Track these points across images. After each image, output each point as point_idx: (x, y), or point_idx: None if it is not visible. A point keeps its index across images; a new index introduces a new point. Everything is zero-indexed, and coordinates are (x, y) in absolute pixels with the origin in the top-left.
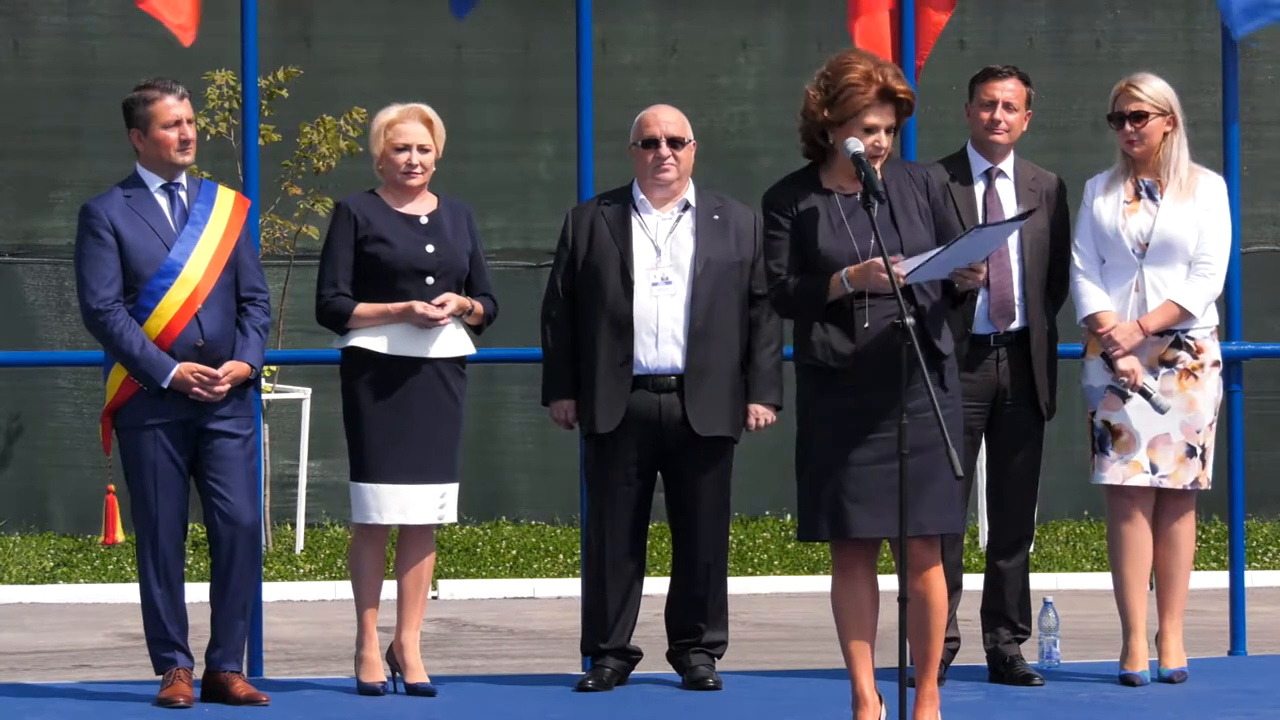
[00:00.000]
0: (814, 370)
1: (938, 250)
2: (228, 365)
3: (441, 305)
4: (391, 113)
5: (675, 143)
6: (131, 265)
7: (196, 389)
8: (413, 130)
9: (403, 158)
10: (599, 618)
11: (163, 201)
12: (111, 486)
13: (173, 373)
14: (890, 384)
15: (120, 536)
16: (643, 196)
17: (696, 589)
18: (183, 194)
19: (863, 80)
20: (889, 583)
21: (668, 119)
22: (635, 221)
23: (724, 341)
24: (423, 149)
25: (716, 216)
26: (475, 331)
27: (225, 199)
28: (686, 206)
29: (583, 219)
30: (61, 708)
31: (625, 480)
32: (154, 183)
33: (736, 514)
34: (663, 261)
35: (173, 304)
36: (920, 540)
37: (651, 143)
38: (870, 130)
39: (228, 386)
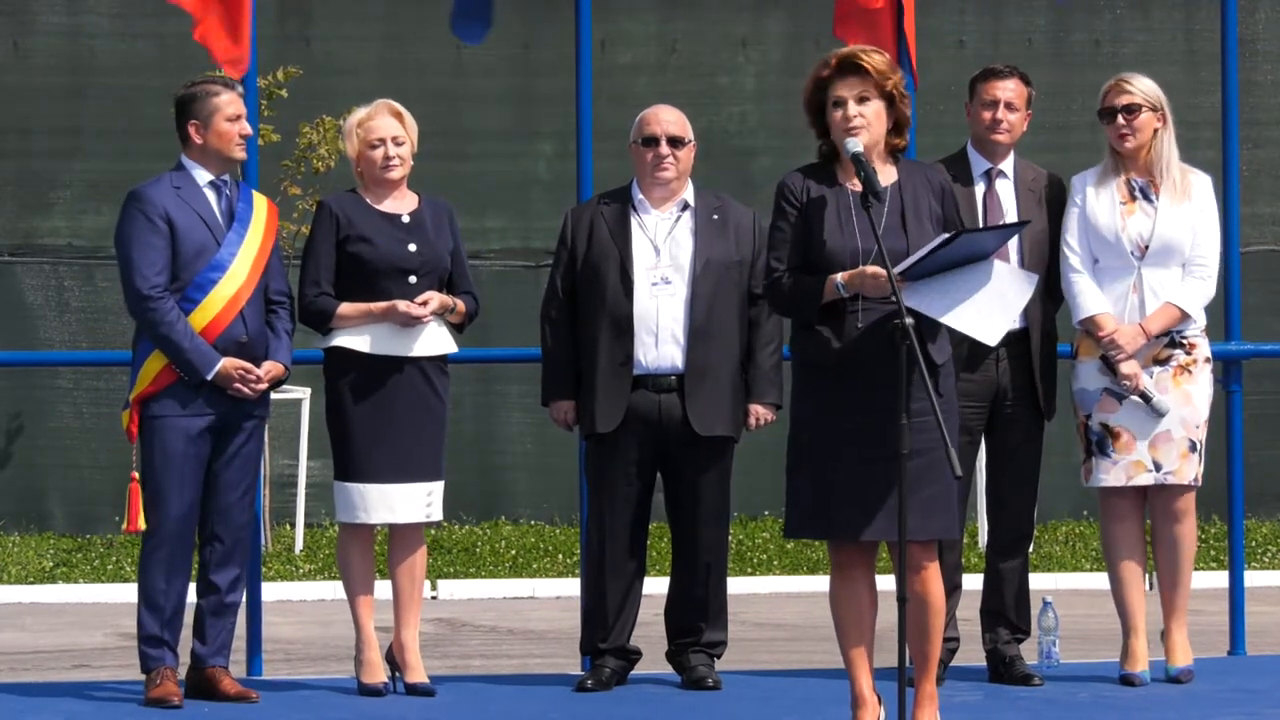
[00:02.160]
0: (808, 369)
1: (924, 252)
2: (267, 365)
3: (424, 304)
4: (360, 112)
5: (675, 142)
6: (181, 255)
7: (238, 385)
8: (384, 124)
9: (378, 153)
10: (599, 618)
11: (211, 196)
12: (135, 475)
13: (218, 366)
14: (884, 385)
15: (143, 524)
16: (641, 196)
17: (696, 589)
18: (228, 191)
19: (830, 60)
20: (888, 583)
21: (668, 118)
22: (634, 221)
23: (724, 341)
24: (396, 141)
25: (716, 216)
26: (457, 330)
27: (261, 202)
28: (686, 206)
29: (582, 219)
30: (61, 708)
31: (625, 480)
32: (202, 177)
33: (736, 514)
34: (662, 261)
35: (220, 298)
36: (917, 541)
37: (651, 141)
38: (838, 104)
39: (266, 385)
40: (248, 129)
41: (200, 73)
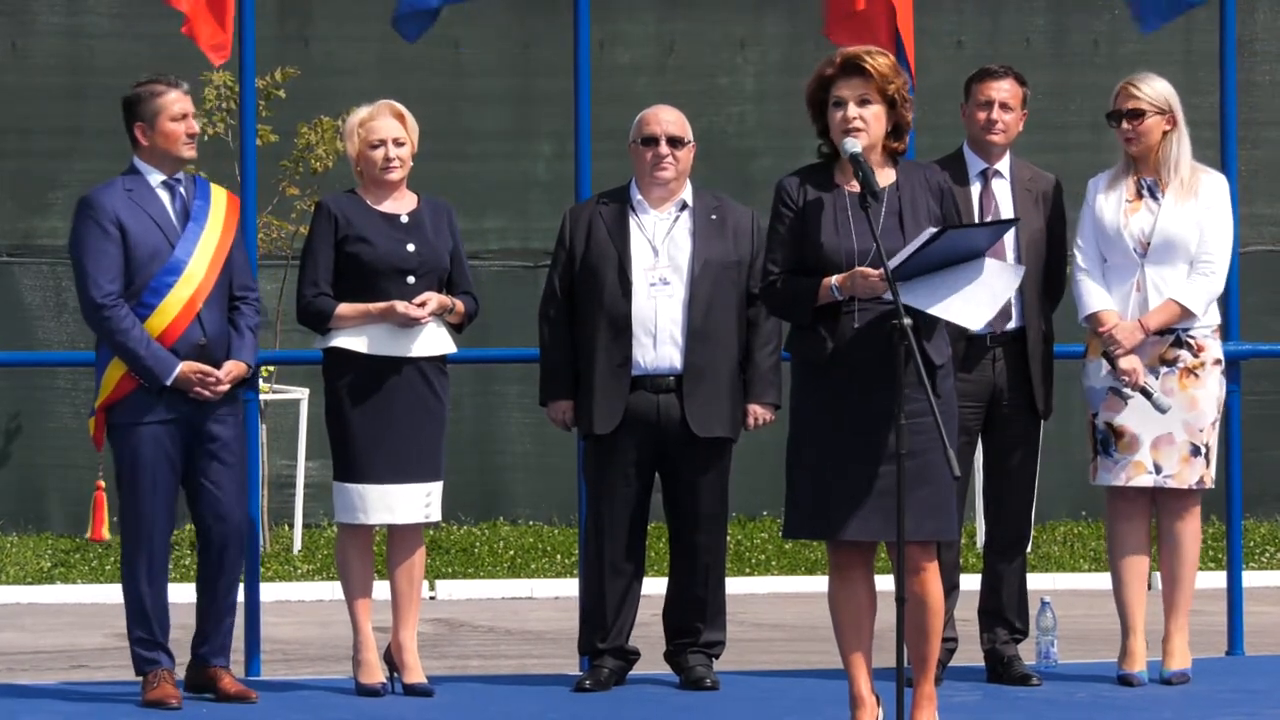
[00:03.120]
0: (806, 369)
1: (911, 249)
2: (228, 365)
3: (422, 304)
4: (362, 112)
5: (675, 142)
6: (134, 260)
7: (198, 388)
8: (386, 125)
9: (379, 154)
10: (597, 618)
11: (164, 196)
12: (100, 483)
13: (176, 371)
14: (881, 386)
15: (107, 534)
16: (640, 197)
17: (695, 589)
18: (183, 190)
19: (835, 59)
20: (887, 583)
21: (668, 118)
22: (633, 222)
23: (722, 342)
24: (398, 142)
25: (714, 216)
26: (456, 330)
27: (220, 197)
28: (684, 206)
29: (580, 219)
30: (59, 708)
31: (624, 481)
32: (155, 178)
33: (735, 514)
34: (660, 262)
35: (176, 301)
36: (915, 541)
37: (651, 140)
38: (838, 104)
39: (228, 386)
40: (195, 127)
41: (197, 73)
